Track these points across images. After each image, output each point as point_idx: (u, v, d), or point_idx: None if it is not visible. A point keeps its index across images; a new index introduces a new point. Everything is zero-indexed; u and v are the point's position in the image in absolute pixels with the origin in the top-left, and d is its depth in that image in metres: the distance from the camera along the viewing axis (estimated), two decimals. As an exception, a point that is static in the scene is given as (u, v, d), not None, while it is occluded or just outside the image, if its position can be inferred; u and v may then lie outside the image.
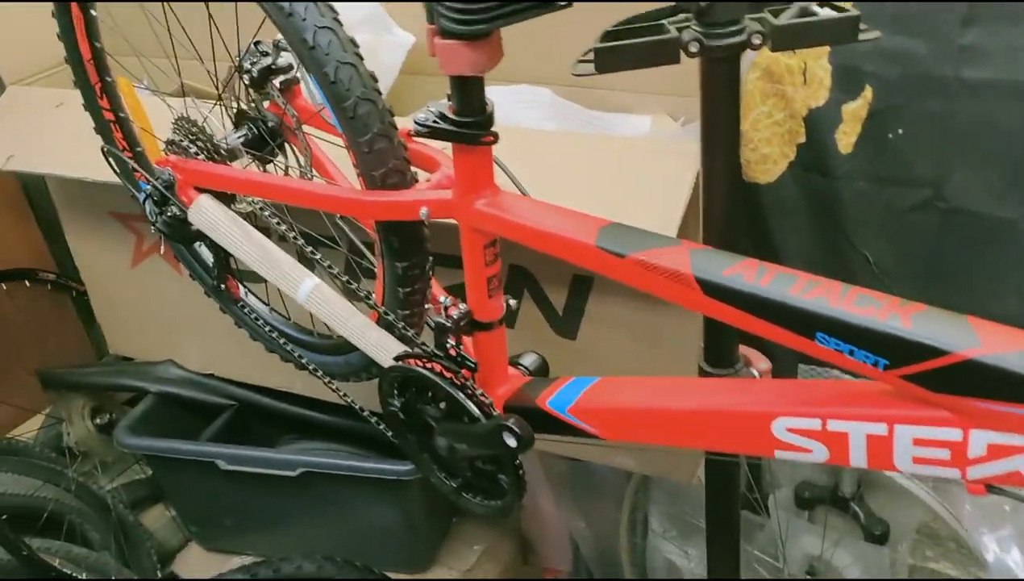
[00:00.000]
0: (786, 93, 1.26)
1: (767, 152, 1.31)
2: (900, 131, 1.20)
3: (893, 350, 0.56)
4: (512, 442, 0.80)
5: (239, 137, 1.00)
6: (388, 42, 1.26)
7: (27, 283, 1.61)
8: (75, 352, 1.74)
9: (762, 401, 0.66)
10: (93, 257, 1.51)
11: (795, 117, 1.27)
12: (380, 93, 0.81)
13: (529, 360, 0.95)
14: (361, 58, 0.80)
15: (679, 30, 0.75)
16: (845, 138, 1.24)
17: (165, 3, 0.96)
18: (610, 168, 1.08)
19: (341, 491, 1.38)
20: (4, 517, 1.34)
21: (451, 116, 0.73)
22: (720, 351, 0.90)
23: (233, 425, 1.51)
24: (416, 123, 0.74)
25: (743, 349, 0.93)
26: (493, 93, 1.31)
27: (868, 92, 1.20)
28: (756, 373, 0.94)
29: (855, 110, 1.22)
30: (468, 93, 0.72)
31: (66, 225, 1.50)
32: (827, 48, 1.23)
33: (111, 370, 1.61)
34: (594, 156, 1.10)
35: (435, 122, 0.73)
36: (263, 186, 0.89)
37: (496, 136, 0.73)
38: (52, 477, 1.47)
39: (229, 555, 1.55)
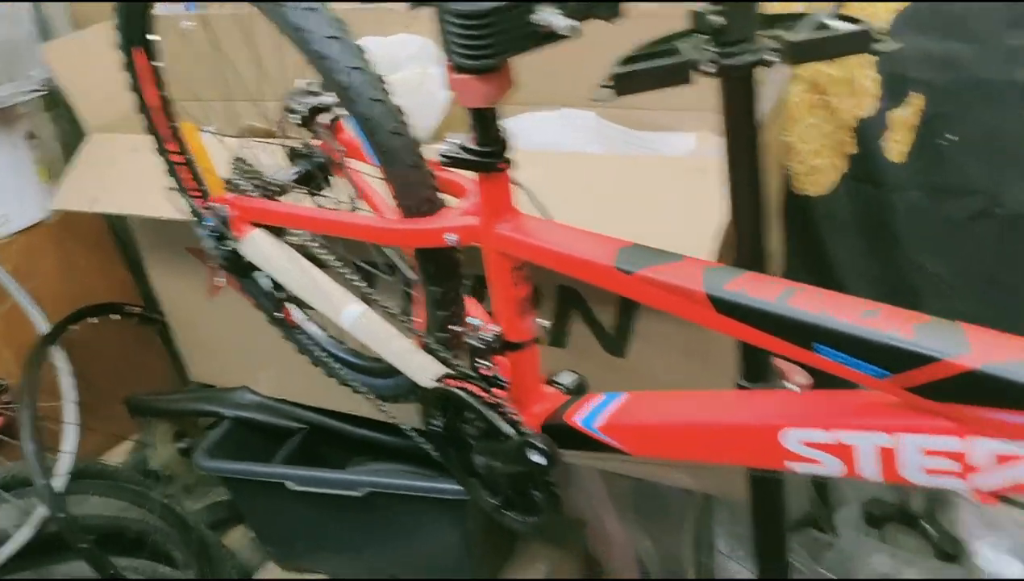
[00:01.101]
0: (831, 104, 1.25)
1: (816, 163, 1.30)
2: (955, 138, 1.17)
3: (892, 360, 0.56)
4: (538, 458, 0.81)
5: (294, 173, 1.06)
6: (438, 75, 1.31)
7: (116, 317, 1.71)
8: (161, 381, 1.84)
9: (769, 414, 0.66)
10: (172, 290, 1.60)
11: (844, 128, 1.26)
12: (408, 126, 0.85)
13: (567, 379, 0.96)
14: (388, 93, 0.84)
15: (696, 52, 0.76)
16: (897, 147, 1.22)
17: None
18: (649, 188, 1.08)
19: (405, 511, 1.41)
20: (93, 538, 1.43)
21: (471, 146, 0.76)
22: (754, 365, 0.90)
23: (305, 448, 1.56)
24: (441, 154, 0.77)
25: (780, 363, 0.93)
26: (539, 118, 1.33)
27: (919, 99, 1.18)
28: (794, 387, 0.93)
29: (906, 118, 1.20)
30: (484, 123, 0.75)
31: (147, 261, 1.59)
32: (873, 57, 1.21)
33: (191, 397, 1.69)
34: (634, 177, 1.11)
35: (457, 153, 0.76)
36: (307, 219, 0.94)
37: (510, 162, 0.76)
38: (138, 499, 1.55)
39: (304, 574, 1.60)
